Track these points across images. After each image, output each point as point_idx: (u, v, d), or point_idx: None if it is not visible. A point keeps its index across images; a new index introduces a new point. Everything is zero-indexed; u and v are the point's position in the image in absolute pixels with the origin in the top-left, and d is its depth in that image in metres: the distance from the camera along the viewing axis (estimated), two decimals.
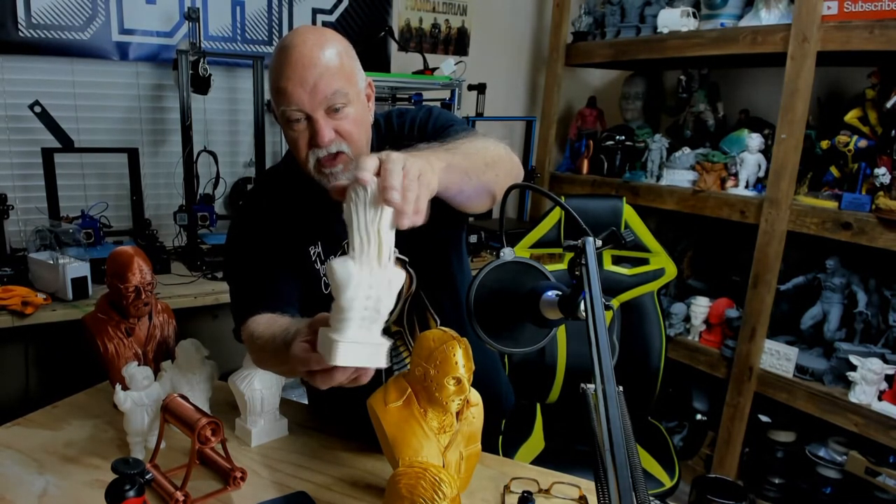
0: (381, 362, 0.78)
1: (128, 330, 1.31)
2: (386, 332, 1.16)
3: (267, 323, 1.05)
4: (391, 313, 1.18)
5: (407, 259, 1.19)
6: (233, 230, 1.27)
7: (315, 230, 1.19)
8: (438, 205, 1.03)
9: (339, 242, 1.18)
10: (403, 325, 1.22)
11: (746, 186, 2.39)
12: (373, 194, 0.74)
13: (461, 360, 0.91)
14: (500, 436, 1.61)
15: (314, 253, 1.19)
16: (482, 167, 0.97)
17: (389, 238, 0.75)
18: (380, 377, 1.21)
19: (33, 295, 1.81)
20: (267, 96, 2.48)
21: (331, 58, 1.04)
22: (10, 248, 2.07)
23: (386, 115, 1.24)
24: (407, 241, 1.17)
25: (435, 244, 1.22)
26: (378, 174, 0.75)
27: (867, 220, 1.96)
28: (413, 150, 0.84)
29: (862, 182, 2.05)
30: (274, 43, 2.62)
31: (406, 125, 1.20)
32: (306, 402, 1.45)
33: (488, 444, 1.17)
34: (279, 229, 1.18)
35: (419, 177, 0.77)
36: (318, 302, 1.16)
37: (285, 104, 1.05)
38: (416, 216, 0.76)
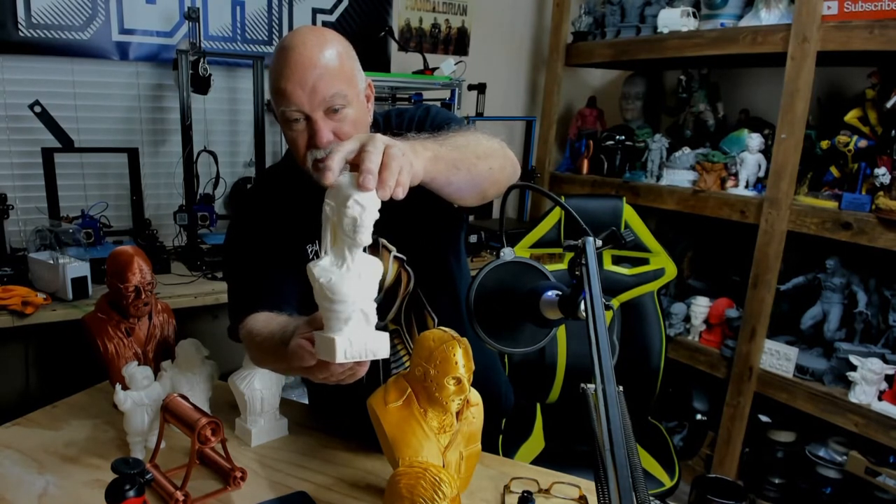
0: (382, 353, 0.78)
1: (128, 330, 1.31)
2: (383, 330, 1.17)
3: (265, 320, 1.06)
4: (389, 311, 1.19)
5: (404, 257, 1.19)
6: (232, 228, 1.27)
7: (313, 228, 1.18)
8: (435, 204, 1.04)
9: None
10: (401, 324, 1.22)
11: (746, 186, 2.39)
12: (348, 186, 0.74)
13: (461, 359, 0.91)
14: (500, 435, 1.61)
15: (312, 251, 1.20)
16: (473, 159, 0.97)
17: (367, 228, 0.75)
18: (379, 377, 1.22)
19: (33, 295, 1.81)
20: (267, 96, 2.48)
21: (331, 59, 1.05)
22: (10, 248, 2.06)
23: (385, 115, 1.25)
24: (405, 240, 1.17)
25: (433, 243, 1.22)
26: (357, 160, 0.77)
27: (867, 220, 1.96)
28: (401, 139, 0.84)
29: (862, 182, 2.05)
30: (274, 43, 2.62)
31: (404, 124, 1.20)
32: (306, 401, 1.45)
33: (488, 444, 1.17)
34: (278, 227, 1.19)
35: (403, 155, 0.78)
36: (312, 299, 1.15)
37: (285, 105, 1.05)
38: (398, 188, 0.77)
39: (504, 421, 1.55)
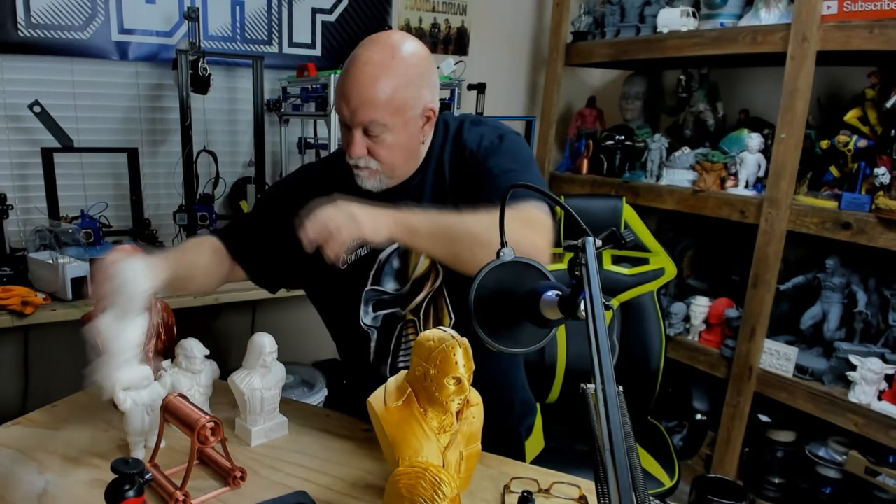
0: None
1: None
2: (400, 318, 1.26)
3: (195, 248, 1.26)
4: (411, 302, 1.24)
5: None
6: (284, 178, 1.42)
7: None
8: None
9: None
10: (419, 316, 1.24)
11: (746, 186, 2.39)
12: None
13: (461, 359, 0.91)
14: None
15: None
16: (466, 240, 1.02)
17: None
18: (387, 365, 1.25)
19: (33, 295, 1.81)
20: (267, 95, 2.48)
21: (381, 90, 1.09)
22: (9, 248, 2.06)
23: (461, 120, 1.28)
24: None
25: None
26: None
27: (867, 219, 1.96)
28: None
29: (862, 182, 2.05)
30: (273, 43, 2.62)
31: (471, 143, 1.21)
32: (307, 402, 1.45)
33: (502, 450, 1.18)
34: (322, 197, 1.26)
35: (330, 224, 0.99)
36: (334, 278, 1.25)
37: (336, 108, 1.14)
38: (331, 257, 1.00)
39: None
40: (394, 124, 1.11)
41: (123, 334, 0.97)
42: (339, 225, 0.98)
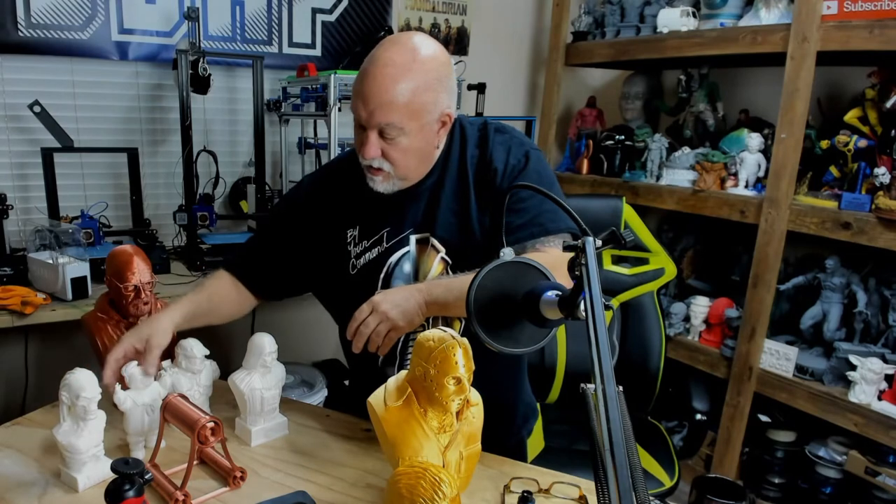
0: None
1: (128, 329, 1.31)
2: None
3: (213, 282, 1.30)
4: None
5: (451, 261, 1.22)
6: (286, 195, 1.46)
7: (356, 215, 1.27)
8: (494, 229, 1.16)
9: (374, 229, 1.25)
10: (428, 320, 1.23)
11: (746, 186, 2.39)
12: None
13: (461, 359, 0.91)
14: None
15: (350, 235, 1.26)
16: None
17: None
18: (382, 375, 1.23)
19: (33, 295, 1.81)
20: (267, 95, 2.48)
21: (400, 93, 1.08)
22: (9, 248, 2.06)
23: (482, 126, 1.27)
24: (454, 247, 1.22)
25: (481, 258, 1.21)
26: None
27: (867, 219, 1.96)
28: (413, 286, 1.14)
29: (862, 182, 2.05)
30: (273, 43, 2.62)
31: (498, 162, 1.21)
32: (307, 401, 1.45)
33: (505, 453, 1.19)
34: (326, 206, 1.28)
35: (365, 330, 1.11)
36: (344, 283, 1.27)
37: (352, 108, 1.14)
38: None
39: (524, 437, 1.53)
40: (410, 128, 1.11)
41: (83, 438, 1.01)
42: (373, 327, 1.09)
